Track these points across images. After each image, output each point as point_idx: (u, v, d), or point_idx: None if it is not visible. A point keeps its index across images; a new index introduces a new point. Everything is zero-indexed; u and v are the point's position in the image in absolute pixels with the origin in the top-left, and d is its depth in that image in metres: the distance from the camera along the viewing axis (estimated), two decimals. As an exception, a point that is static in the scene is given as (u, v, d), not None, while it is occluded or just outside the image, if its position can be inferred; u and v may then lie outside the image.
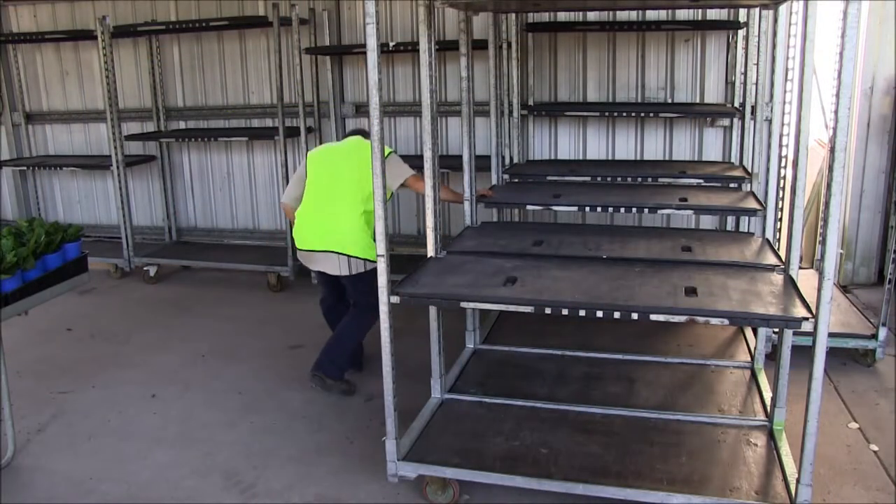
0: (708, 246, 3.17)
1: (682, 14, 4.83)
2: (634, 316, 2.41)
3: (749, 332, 3.87)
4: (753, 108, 3.84)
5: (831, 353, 3.60)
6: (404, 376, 2.92)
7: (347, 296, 3.75)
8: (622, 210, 3.55)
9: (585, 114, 5.12)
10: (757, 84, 3.73)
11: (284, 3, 5.17)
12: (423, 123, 2.96)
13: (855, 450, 3.07)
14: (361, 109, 5.62)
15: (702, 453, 2.78)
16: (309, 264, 3.69)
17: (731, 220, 4.53)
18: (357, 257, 3.51)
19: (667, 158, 5.08)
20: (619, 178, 4.17)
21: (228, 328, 4.69)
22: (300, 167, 3.75)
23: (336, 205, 3.55)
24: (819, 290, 2.22)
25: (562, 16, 4.99)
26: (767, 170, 3.26)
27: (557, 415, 3.10)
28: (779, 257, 2.94)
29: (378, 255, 2.60)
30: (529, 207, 4.04)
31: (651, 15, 4.86)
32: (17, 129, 6.53)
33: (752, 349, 3.60)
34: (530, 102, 5.05)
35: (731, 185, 4.00)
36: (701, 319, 2.38)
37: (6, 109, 6.44)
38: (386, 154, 2.96)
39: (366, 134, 3.74)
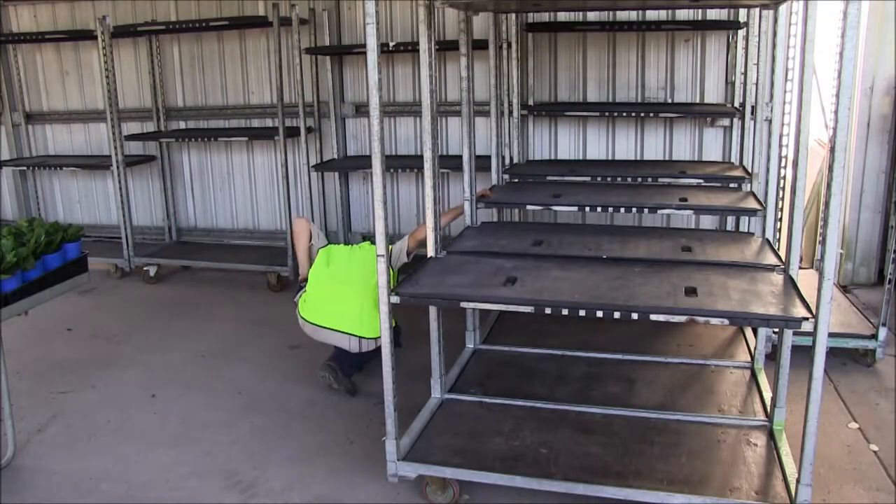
0: (708, 246, 3.17)
1: (682, 14, 4.83)
2: (634, 316, 2.40)
3: (749, 332, 3.87)
4: (753, 108, 3.83)
5: (831, 353, 3.61)
6: (404, 376, 2.92)
7: None
8: (622, 210, 3.55)
9: (585, 114, 5.12)
10: (757, 84, 3.73)
11: (284, 3, 5.17)
12: (423, 123, 2.96)
13: (855, 450, 3.07)
14: (361, 109, 5.63)
15: (702, 453, 2.78)
16: (316, 337, 3.71)
17: (731, 220, 4.54)
18: (369, 339, 3.57)
19: (667, 158, 5.08)
20: (619, 178, 4.17)
21: (228, 328, 4.69)
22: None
23: (351, 285, 3.62)
24: (819, 290, 2.22)
25: (562, 16, 4.99)
26: (767, 170, 3.26)
27: (557, 415, 3.10)
28: (779, 257, 2.94)
29: (378, 256, 2.60)
30: (529, 207, 4.04)
31: (651, 15, 4.86)
32: (17, 129, 6.53)
33: (752, 349, 3.60)
34: (530, 102, 5.05)
35: (731, 185, 4.00)
36: (701, 319, 2.38)
37: (6, 109, 6.44)
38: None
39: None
